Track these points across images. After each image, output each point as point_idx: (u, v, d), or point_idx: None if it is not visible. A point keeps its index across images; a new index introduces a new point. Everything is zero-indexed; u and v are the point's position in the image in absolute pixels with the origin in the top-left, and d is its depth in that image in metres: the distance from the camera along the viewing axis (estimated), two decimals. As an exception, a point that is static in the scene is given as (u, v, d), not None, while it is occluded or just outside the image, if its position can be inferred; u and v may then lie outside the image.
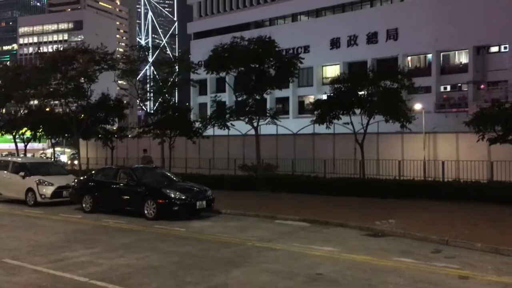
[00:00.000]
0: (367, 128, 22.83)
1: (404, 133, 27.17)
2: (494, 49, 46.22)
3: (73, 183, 17.83)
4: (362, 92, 22.59)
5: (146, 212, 14.86)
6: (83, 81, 27.81)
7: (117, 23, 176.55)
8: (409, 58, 50.33)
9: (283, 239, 11.74)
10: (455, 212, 15.22)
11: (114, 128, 35.34)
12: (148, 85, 30.16)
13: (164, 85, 26.24)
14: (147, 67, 31.04)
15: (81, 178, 18.33)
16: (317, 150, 28.90)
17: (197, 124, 25.08)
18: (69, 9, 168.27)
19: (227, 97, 64.54)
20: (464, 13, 45.13)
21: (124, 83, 31.45)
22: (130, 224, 14.01)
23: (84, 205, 16.61)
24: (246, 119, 22.82)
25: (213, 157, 33.43)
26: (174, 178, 16.95)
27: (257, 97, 22.52)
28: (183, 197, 14.81)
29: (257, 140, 22.97)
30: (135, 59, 26.26)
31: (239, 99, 22.92)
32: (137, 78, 27.36)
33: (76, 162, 46.16)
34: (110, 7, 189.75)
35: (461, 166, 22.15)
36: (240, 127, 26.65)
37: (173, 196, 14.72)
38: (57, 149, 72.21)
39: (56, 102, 32.33)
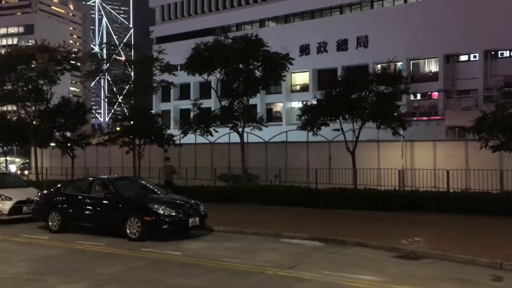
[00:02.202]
0: (359, 135, 21.52)
1: (381, 141, 26.29)
2: (463, 57, 46.24)
3: (36, 198, 15.26)
4: (354, 96, 21.26)
5: (128, 231, 12.57)
6: (42, 82, 25.01)
7: (71, 28, 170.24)
8: (379, 66, 49.66)
9: (304, 264, 9.82)
10: (479, 227, 13.83)
11: (68, 135, 32.42)
12: (114, 87, 27.48)
13: (135, 87, 23.85)
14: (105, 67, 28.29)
15: (46, 191, 15.75)
16: (289, 159, 27.62)
17: (177, 131, 22.87)
18: (19, 13, 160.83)
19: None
20: (434, 22, 44.91)
21: (78, 90, 28.89)
22: (110, 247, 11.71)
23: (50, 223, 14.10)
24: (230, 125, 20.86)
25: (179, 166, 31.59)
26: (157, 191, 14.73)
27: (244, 100, 20.58)
28: (174, 214, 12.62)
29: (242, 148, 21.04)
30: (103, 57, 23.77)
31: (223, 102, 20.89)
32: (107, 79, 24.82)
33: (26, 172, 42.55)
34: (63, 11, 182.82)
35: (439, 175, 20.88)
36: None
37: (161, 212, 12.52)
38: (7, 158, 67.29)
39: (9, 107, 29.37)
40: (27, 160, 60.84)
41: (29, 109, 26.41)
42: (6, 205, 15.72)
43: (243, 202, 19.78)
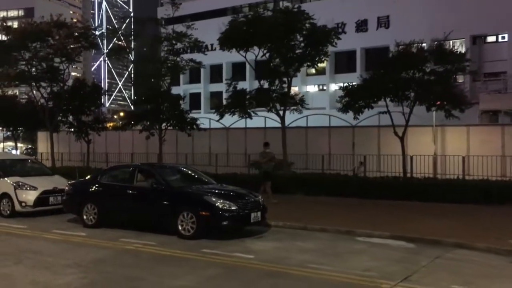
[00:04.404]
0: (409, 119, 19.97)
1: (410, 126, 24.77)
2: (491, 38, 44.13)
3: (67, 187, 13.42)
4: (404, 76, 19.67)
5: (180, 228, 10.75)
6: (59, 60, 23.05)
7: (71, 12, 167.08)
8: (401, 47, 47.51)
9: (418, 274, 7.98)
10: None
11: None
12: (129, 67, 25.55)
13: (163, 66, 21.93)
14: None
15: (79, 180, 13.91)
16: (310, 145, 26.23)
17: (214, 113, 21.08)
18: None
19: (202, 88, 60.46)
20: (460, 0, 42.77)
21: (78, 75, 27.12)
22: (164, 248, 9.88)
23: (85, 217, 12.27)
24: (268, 108, 19.06)
25: (192, 152, 30.02)
26: (206, 180, 12.89)
27: (284, 80, 18.72)
28: (234, 208, 10.78)
29: (283, 133, 19.28)
30: (129, 33, 21.84)
31: (262, 82, 19.03)
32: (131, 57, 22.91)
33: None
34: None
35: (473, 162, 20.24)
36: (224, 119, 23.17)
37: (220, 206, 10.69)
38: (8, 143, 65.15)
39: (23, 88, 27.51)
40: (30, 146, 58.93)
41: (43, 90, 24.48)
42: (31, 196, 13.89)
43: (285, 192, 17.95)
